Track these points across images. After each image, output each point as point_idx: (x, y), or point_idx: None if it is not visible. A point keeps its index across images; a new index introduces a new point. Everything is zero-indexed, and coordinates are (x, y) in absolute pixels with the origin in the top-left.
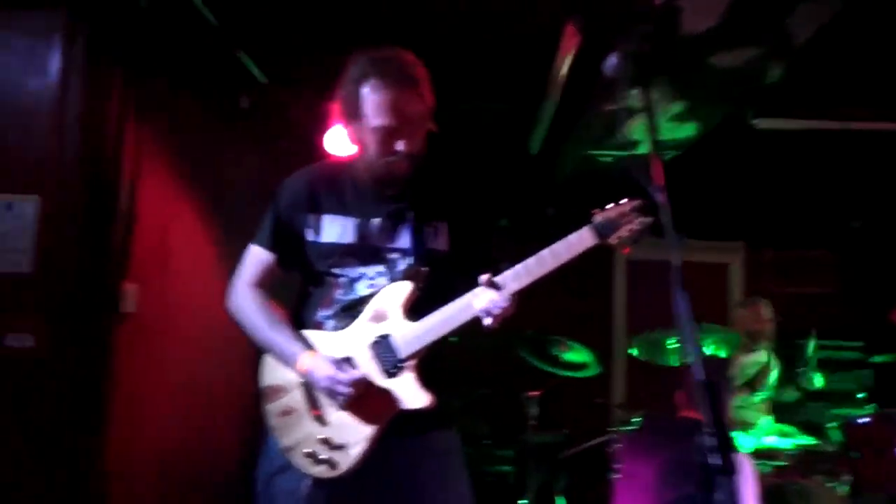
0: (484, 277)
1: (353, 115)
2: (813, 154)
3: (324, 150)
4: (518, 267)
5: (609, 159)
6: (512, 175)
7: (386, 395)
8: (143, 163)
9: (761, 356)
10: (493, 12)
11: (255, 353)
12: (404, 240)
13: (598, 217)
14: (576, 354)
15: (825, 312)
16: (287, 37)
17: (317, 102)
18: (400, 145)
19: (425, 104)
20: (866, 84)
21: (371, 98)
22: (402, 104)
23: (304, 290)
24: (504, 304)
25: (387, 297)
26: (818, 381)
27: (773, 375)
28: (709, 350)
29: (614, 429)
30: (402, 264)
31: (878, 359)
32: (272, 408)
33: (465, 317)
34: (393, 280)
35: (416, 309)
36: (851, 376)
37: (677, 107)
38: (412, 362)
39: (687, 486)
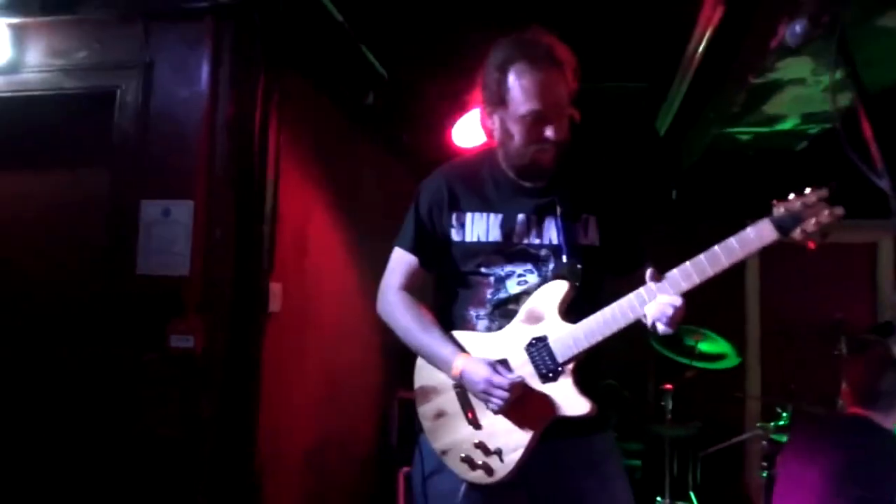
0: (650, 272)
1: (497, 102)
2: None
3: (452, 144)
4: (687, 265)
5: (748, 137)
6: (638, 158)
7: (543, 400)
8: (283, 164)
9: None
10: None
11: (385, 346)
12: (553, 235)
13: (780, 209)
14: (711, 345)
15: None
16: (407, 31)
17: (440, 96)
18: (549, 131)
19: (570, 92)
20: None
21: (519, 83)
22: (550, 88)
23: (450, 291)
24: (678, 303)
25: (542, 296)
26: None
27: None
28: None
29: (763, 425)
30: (552, 261)
31: None
32: (425, 409)
33: (629, 319)
34: (543, 277)
35: (571, 308)
36: None
37: (837, 76)
38: (570, 366)
39: (857, 489)
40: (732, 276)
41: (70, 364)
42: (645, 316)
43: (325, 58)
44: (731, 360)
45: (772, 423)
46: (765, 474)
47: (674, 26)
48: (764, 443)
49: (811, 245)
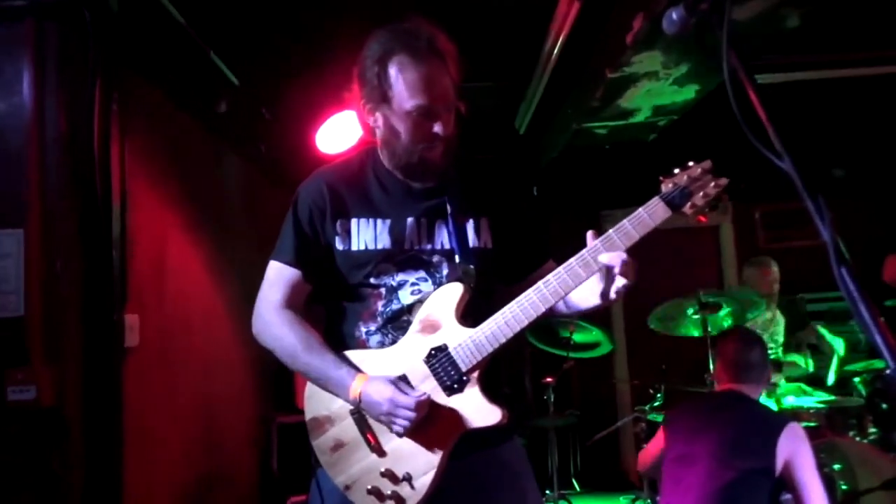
0: (591, 232)
1: (379, 98)
2: (793, 105)
3: (317, 151)
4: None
5: (604, 131)
6: (499, 156)
7: (450, 415)
8: (130, 180)
9: (765, 313)
10: None
11: (260, 371)
12: (445, 239)
13: (668, 185)
14: (585, 334)
15: (820, 265)
16: (256, 36)
17: (298, 102)
18: (437, 127)
19: (455, 81)
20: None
21: (402, 76)
22: (436, 81)
23: (336, 306)
24: (628, 260)
25: (437, 302)
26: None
27: (780, 332)
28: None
29: (640, 407)
30: (445, 266)
31: (890, 303)
32: (321, 442)
33: (559, 294)
34: (438, 284)
35: (468, 312)
36: (853, 327)
37: (681, 69)
38: (476, 374)
39: (742, 461)
40: None
41: None
42: (602, 269)
43: (171, 63)
44: (605, 347)
45: (647, 405)
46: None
47: (530, 24)
48: (642, 425)
49: (702, 219)
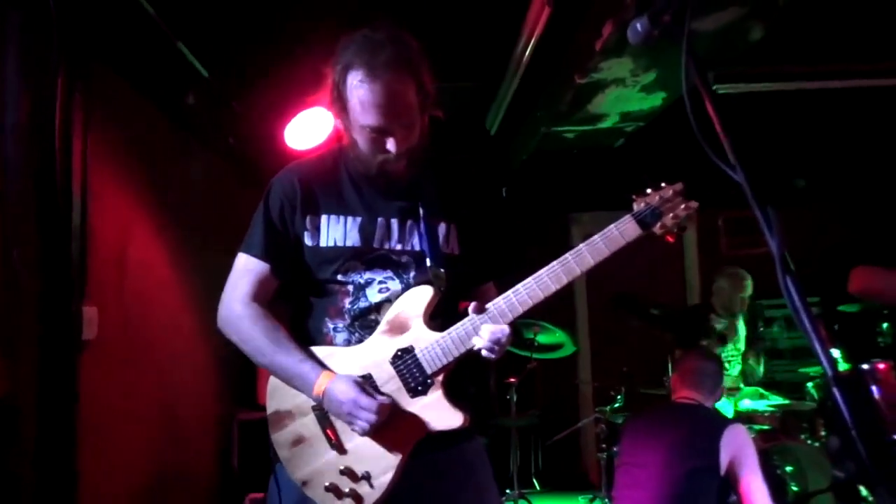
0: (472, 306)
1: (340, 107)
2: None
3: (285, 146)
4: (565, 260)
5: (573, 135)
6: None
7: (413, 416)
8: (92, 170)
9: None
10: None
11: (222, 367)
12: (416, 241)
13: (640, 204)
14: (549, 336)
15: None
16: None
17: (268, 96)
18: (390, 145)
19: (422, 94)
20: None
21: (357, 93)
22: (391, 100)
23: (303, 301)
24: (508, 336)
25: (406, 304)
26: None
27: (741, 339)
28: None
29: (601, 409)
30: (414, 268)
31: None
32: (281, 436)
33: (467, 347)
34: (406, 285)
35: (436, 316)
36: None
37: (649, 76)
38: (440, 378)
39: (688, 462)
40: None
41: None
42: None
43: (139, 54)
44: (569, 349)
45: (608, 407)
46: (604, 455)
47: (502, 26)
48: (602, 426)
49: (670, 239)
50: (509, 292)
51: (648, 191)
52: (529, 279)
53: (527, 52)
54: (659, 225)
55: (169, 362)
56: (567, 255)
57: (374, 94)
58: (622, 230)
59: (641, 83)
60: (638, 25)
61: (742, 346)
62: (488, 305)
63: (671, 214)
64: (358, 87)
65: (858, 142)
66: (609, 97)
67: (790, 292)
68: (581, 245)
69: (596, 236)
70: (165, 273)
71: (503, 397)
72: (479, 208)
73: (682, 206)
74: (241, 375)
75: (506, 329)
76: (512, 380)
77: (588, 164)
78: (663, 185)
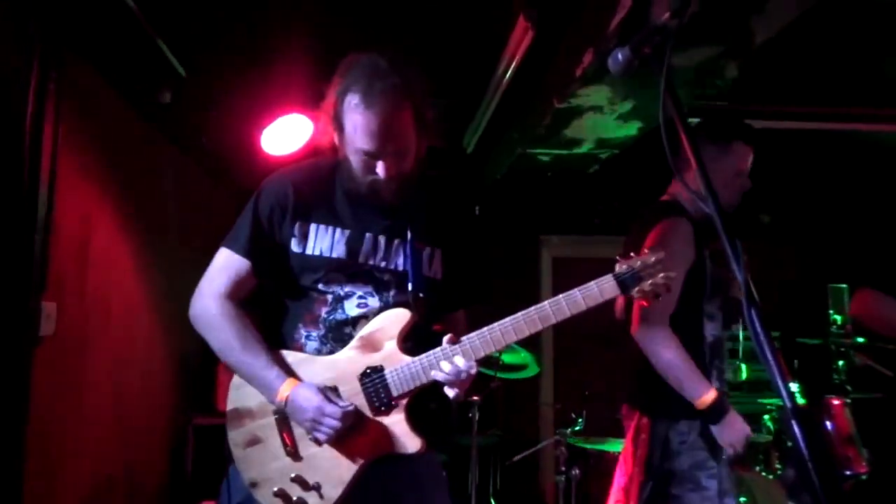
0: (448, 337)
1: (336, 126)
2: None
3: (261, 150)
4: (515, 319)
5: (547, 158)
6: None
7: (371, 434)
8: (61, 164)
9: None
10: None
11: (180, 368)
12: (400, 261)
13: (622, 266)
14: (513, 356)
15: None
16: (208, 28)
17: (246, 99)
18: (380, 169)
19: (420, 123)
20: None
21: (353, 117)
22: (385, 128)
23: (279, 304)
24: (471, 373)
25: (382, 324)
26: (743, 372)
27: None
28: None
29: (561, 431)
30: (394, 288)
31: (804, 340)
32: (237, 435)
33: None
34: (385, 303)
35: (409, 339)
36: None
37: (626, 105)
38: (404, 401)
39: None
40: (528, 288)
41: None
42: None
43: (116, 49)
44: (533, 370)
45: (569, 429)
46: (562, 478)
47: (485, 46)
48: (562, 448)
49: (644, 303)
50: (484, 329)
51: (632, 254)
52: (506, 320)
53: (508, 73)
54: (637, 289)
55: (126, 362)
56: (545, 303)
57: (368, 121)
58: (602, 288)
59: (618, 112)
60: (619, 55)
61: None
62: (463, 339)
63: (650, 281)
64: (354, 111)
65: (825, 182)
66: (586, 123)
67: (753, 322)
68: (559, 296)
69: (575, 290)
70: (128, 271)
71: (465, 415)
72: (462, 236)
73: (661, 276)
74: (199, 380)
75: (473, 366)
76: (475, 398)
77: (561, 188)
78: (646, 250)
